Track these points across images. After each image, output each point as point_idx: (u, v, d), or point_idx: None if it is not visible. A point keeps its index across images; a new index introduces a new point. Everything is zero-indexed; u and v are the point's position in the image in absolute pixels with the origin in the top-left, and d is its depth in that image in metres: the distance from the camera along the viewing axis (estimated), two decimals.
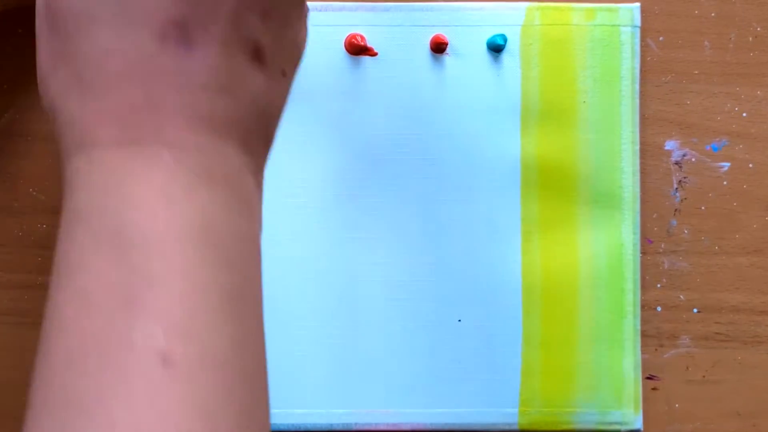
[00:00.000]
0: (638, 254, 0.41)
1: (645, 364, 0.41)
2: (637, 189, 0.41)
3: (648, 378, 0.41)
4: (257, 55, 0.25)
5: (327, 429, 0.41)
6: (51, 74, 0.25)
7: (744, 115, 0.42)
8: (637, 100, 0.41)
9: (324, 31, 0.41)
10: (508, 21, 0.41)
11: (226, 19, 0.24)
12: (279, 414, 0.40)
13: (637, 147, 0.41)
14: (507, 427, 0.41)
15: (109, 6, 0.23)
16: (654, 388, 0.41)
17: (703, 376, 0.41)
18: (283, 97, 0.27)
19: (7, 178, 0.41)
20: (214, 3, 0.24)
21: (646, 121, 0.41)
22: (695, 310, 0.41)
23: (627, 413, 0.41)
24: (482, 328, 0.41)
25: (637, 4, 0.41)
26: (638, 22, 0.41)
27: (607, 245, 0.41)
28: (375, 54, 0.41)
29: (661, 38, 0.42)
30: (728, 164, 0.42)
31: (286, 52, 0.27)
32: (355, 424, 0.41)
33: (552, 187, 0.41)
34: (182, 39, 0.23)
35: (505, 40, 0.41)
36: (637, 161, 0.41)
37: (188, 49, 0.24)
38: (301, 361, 0.41)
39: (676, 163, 0.42)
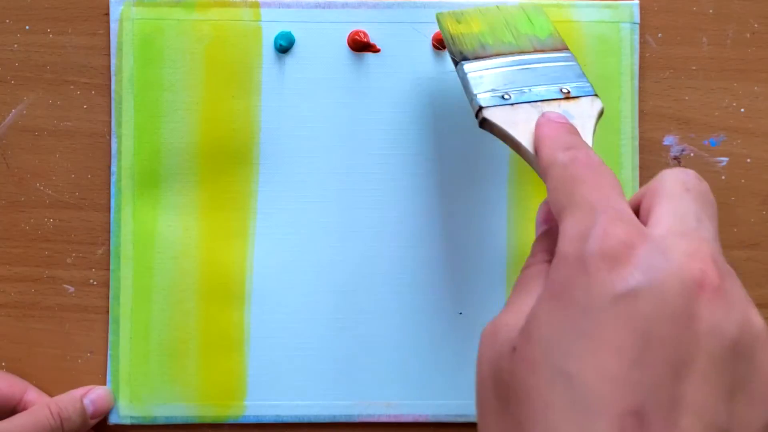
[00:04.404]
0: None
1: None
2: (637, 184, 0.41)
3: None
4: None
5: (329, 420, 0.41)
6: None
7: (742, 110, 0.42)
8: (636, 96, 0.41)
9: (327, 28, 0.41)
10: None
11: (688, 408, 0.22)
12: (282, 405, 0.41)
13: (636, 142, 0.41)
14: None
15: (566, 394, 0.23)
16: None
17: None
18: None
19: (15, 172, 0.41)
20: (673, 388, 0.22)
21: (644, 116, 0.42)
22: None
23: None
24: (483, 320, 0.41)
25: (636, 1, 0.41)
26: (637, 18, 0.41)
27: None
28: (377, 50, 0.41)
29: (659, 35, 0.42)
30: (726, 159, 0.42)
31: None
32: (358, 415, 0.41)
33: None
34: (639, 429, 0.22)
35: None
36: (637, 156, 0.41)
37: None
38: (303, 353, 0.41)
39: (675, 158, 0.42)
